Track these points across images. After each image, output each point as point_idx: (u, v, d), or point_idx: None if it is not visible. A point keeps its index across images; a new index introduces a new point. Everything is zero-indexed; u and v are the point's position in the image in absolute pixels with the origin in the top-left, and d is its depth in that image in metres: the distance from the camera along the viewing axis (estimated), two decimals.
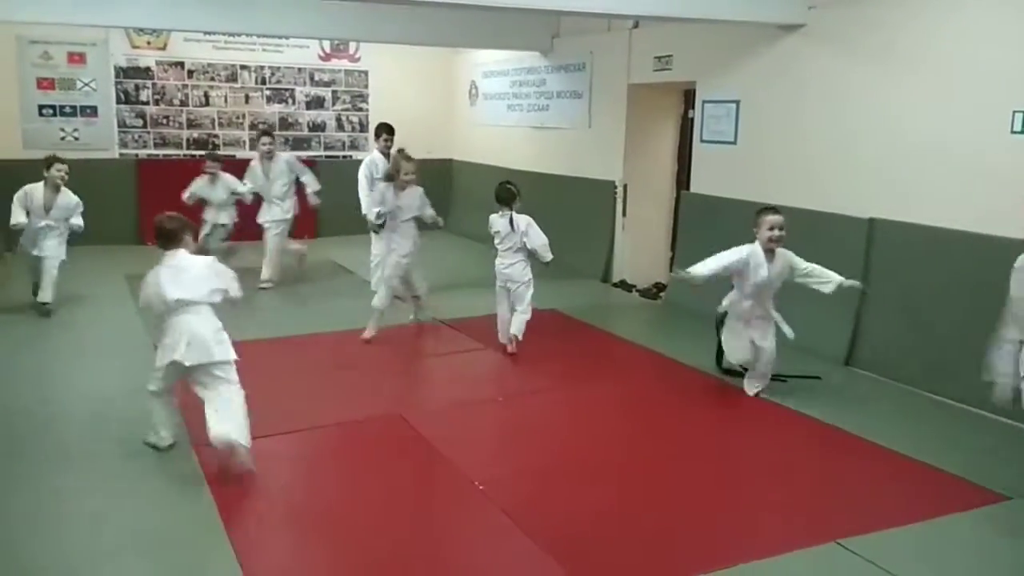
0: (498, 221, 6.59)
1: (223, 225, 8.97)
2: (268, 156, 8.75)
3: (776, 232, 5.32)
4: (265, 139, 8.85)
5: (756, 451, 4.89)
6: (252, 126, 11.73)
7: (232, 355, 4.42)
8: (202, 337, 4.32)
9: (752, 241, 5.46)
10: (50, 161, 7.36)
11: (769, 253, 5.38)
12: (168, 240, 4.49)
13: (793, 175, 6.98)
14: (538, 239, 6.51)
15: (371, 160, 8.34)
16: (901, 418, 5.36)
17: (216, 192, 8.87)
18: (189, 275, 4.40)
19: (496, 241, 6.65)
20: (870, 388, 5.96)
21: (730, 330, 5.61)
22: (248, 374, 5.99)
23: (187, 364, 4.30)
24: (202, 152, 10.27)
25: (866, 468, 4.61)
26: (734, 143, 7.61)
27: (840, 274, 5.45)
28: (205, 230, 8.71)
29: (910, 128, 5.99)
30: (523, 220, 6.52)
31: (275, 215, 8.76)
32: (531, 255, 6.60)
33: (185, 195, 8.67)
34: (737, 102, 7.55)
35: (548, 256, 6.57)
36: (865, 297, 6.05)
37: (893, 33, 6.09)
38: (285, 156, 9.06)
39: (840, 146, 6.55)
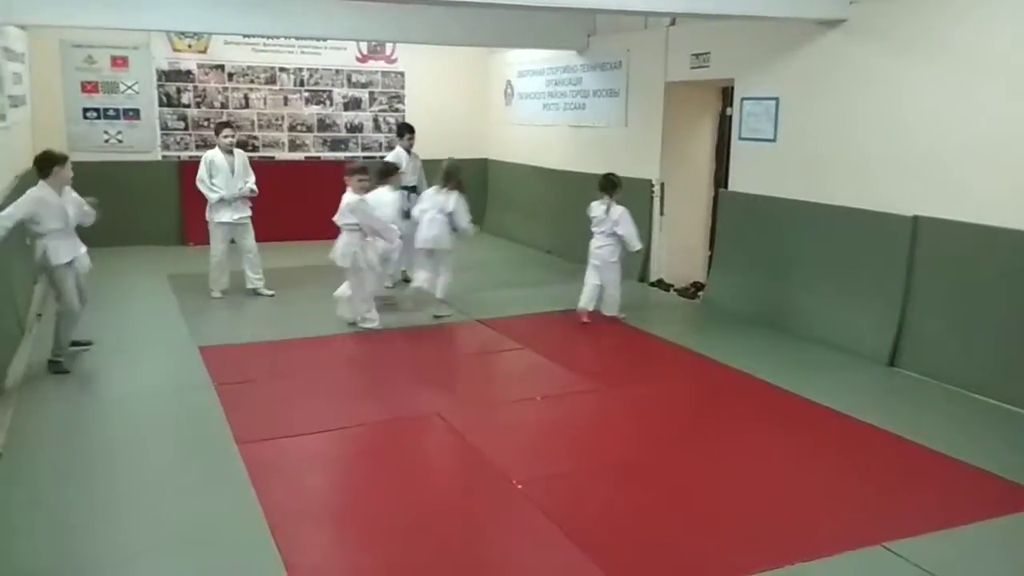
0: (597, 207, 7.39)
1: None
2: (229, 150, 8.05)
3: None
4: (227, 131, 8.11)
5: (799, 452, 4.81)
6: (291, 127, 11.86)
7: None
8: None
9: None
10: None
11: None
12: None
13: (834, 173, 6.87)
14: (627, 228, 7.25)
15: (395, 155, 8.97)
16: (948, 420, 5.25)
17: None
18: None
19: (592, 225, 7.40)
20: (916, 389, 5.85)
21: None
22: (289, 372, 6.10)
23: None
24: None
25: (912, 470, 4.53)
26: (773, 141, 7.51)
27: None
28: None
29: (956, 124, 5.86)
30: (618, 210, 7.27)
31: (245, 212, 8.10)
32: (621, 242, 7.30)
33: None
34: (776, 99, 7.45)
35: (637, 245, 7.34)
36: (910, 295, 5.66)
37: (937, 26, 5.97)
38: (240, 150, 8.40)
39: (882, 143, 6.43)
